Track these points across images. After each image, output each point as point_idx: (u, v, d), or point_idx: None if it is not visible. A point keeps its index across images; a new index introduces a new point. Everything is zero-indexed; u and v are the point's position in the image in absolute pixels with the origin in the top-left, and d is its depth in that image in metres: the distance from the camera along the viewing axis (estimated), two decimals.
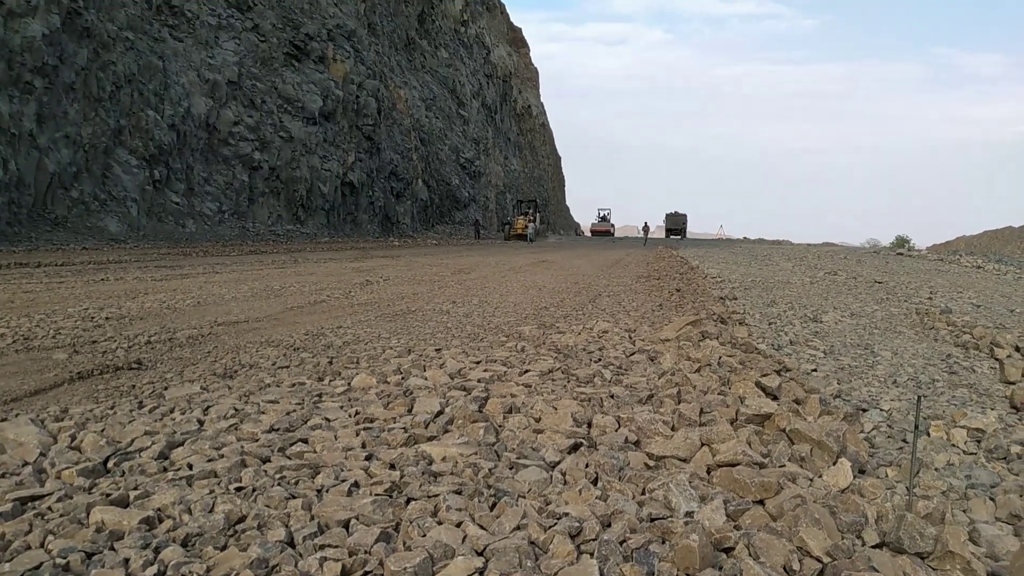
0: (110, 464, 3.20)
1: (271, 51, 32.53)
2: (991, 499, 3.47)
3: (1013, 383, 5.94)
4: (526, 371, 5.23)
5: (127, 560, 2.31)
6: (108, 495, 2.81)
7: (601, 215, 79.92)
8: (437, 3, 55.20)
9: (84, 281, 10.78)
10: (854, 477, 3.38)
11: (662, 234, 70.49)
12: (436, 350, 6.10)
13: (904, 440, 4.37)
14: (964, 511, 3.31)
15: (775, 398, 4.62)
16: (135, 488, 2.89)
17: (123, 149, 23.66)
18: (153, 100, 25.16)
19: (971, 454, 4.21)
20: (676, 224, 75.83)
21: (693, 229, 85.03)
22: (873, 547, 2.61)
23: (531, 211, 49.65)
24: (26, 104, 19.57)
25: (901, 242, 59.36)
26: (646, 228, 52.56)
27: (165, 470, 3.15)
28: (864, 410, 4.98)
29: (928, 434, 4.47)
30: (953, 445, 4.33)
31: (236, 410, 4.09)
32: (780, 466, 3.41)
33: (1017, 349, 7.17)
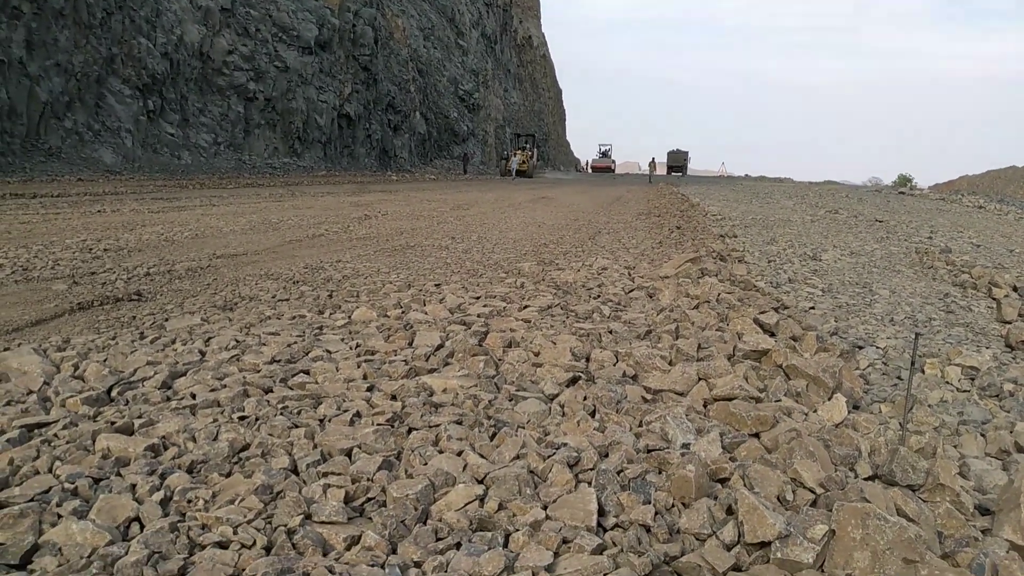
0: (114, 393, 3.24)
1: None
2: (982, 435, 3.52)
3: (1009, 322, 5.98)
4: (525, 307, 5.24)
5: (134, 486, 2.35)
6: (113, 423, 2.85)
7: (602, 151, 79.11)
8: None
9: (80, 212, 10.71)
10: (848, 412, 3.43)
11: (663, 171, 69.93)
12: (436, 285, 6.11)
13: (899, 377, 4.42)
14: (955, 446, 3.37)
15: (773, 335, 4.66)
16: (139, 416, 2.92)
17: (115, 78, 23.22)
18: (145, 27, 24.56)
19: (964, 391, 4.26)
20: (677, 161, 75.22)
21: (695, 166, 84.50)
22: (866, 479, 2.66)
23: (528, 145, 48.87)
24: (14, 30, 19.12)
25: (903, 181, 58.96)
26: (653, 164, 50.77)
27: (168, 399, 3.19)
28: (860, 347, 5.02)
29: (923, 371, 4.51)
30: (947, 382, 4.38)
31: (237, 342, 4.11)
32: (776, 401, 3.45)
33: (1015, 289, 7.20)
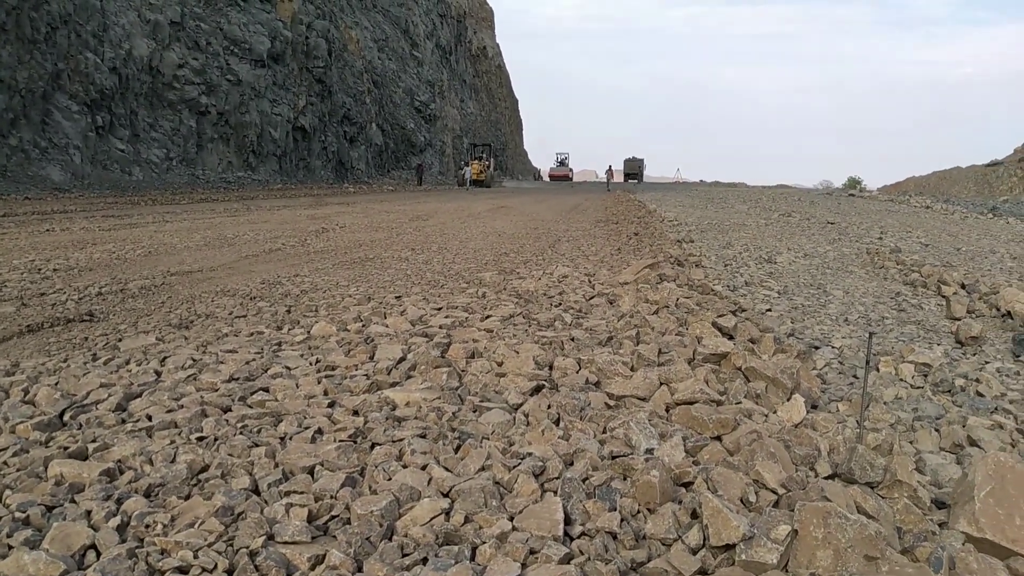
0: (66, 417, 3.14)
1: None
2: (936, 430, 3.62)
3: (958, 319, 6.15)
4: (487, 316, 5.24)
5: (89, 512, 2.28)
6: (66, 448, 2.77)
7: (559, 159, 79.62)
8: None
9: (28, 232, 10.42)
10: (807, 412, 3.49)
11: (620, 178, 70.77)
12: (396, 297, 6.07)
13: (855, 376, 4.51)
14: (911, 442, 3.45)
15: (731, 338, 4.72)
16: (93, 440, 2.85)
17: (62, 94, 22.68)
18: (92, 42, 24.05)
19: (918, 388, 4.37)
20: (633, 169, 76.33)
21: (651, 173, 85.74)
22: (826, 478, 2.70)
23: (485, 155, 48.90)
24: None
25: (853, 183, 60.37)
26: (610, 172, 51.92)
27: (124, 422, 3.11)
28: (817, 348, 5.12)
29: (878, 369, 4.62)
30: (901, 380, 4.49)
31: (194, 360, 4.03)
32: (737, 403, 3.49)
33: (963, 286, 7.41)
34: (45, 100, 21.90)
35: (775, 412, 3.50)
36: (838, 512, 2.09)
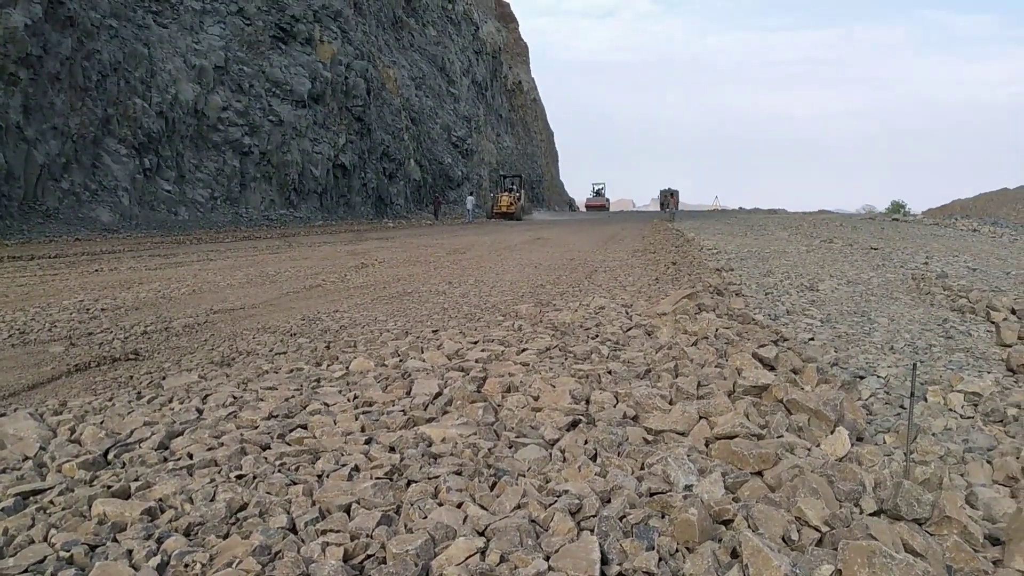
0: (110, 456, 3.21)
1: (257, 34, 32.17)
2: (988, 462, 3.49)
3: (1009, 346, 5.96)
4: (524, 350, 5.23)
5: (130, 551, 2.32)
6: (109, 487, 2.82)
7: (596, 189, 79.89)
8: None
9: (78, 272, 10.74)
10: (852, 445, 3.40)
11: (656, 207, 70.88)
12: (433, 331, 6.10)
13: (902, 406, 4.39)
14: (962, 475, 3.34)
15: (772, 369, 4.64)
16: (136, 479, 2.89)
17: (112, 138, 23.47)
18: (140, 88, 24.91)
19: (968, 418, 4.24)
20: (668, 199, 76.79)
21: (689, 201, 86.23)
22: (871, 515, 2.62)
23: (515, 187, 48.48)
24: (11, 96, 19.38)
25: (896, 207, 59.28)
26: (666, 198, 48.82)
27: (166, 460, 3.16)
28: (861, 377, 5.01)
29: (926, 399, 4.49)
30: (950, 410, 4.36)
31: (235, 398, 4.09)
32: (778, 437, 3.42)
33: (1013, 312, 7.19)
34: (95, 145, 22.67)
35: (818, 446, 3.42)
36: (883, 551, 2.03)
